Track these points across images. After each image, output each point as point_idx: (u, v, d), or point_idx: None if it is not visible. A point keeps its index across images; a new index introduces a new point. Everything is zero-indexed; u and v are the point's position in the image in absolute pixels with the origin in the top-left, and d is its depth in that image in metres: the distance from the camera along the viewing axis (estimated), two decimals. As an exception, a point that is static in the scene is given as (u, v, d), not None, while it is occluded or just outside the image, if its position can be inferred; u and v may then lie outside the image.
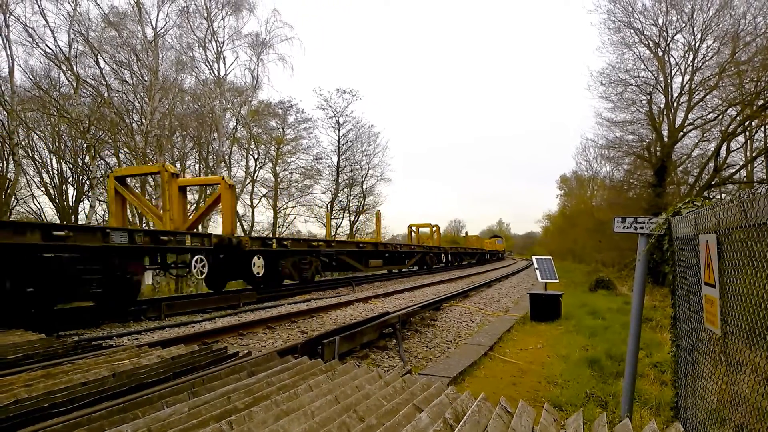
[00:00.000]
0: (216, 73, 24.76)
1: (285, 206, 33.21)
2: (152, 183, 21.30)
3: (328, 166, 36.92)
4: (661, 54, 20.21)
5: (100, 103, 20.57)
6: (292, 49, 79.25)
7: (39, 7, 18.54)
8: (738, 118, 17.93)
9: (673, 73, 20.37)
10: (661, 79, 20.49)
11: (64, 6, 19.05)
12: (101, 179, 22.83)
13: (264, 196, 31.86)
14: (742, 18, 17.69)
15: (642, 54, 20.83)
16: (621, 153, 23.99)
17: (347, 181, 37.68)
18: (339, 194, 36.66)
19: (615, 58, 21.73)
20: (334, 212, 36.12)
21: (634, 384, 3.32)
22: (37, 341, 4.38)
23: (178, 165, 26.37)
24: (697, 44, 19.33)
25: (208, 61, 24.63)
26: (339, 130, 37.13)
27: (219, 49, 24.60)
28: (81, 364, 3.25)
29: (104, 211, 24.25)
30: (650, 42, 20.33)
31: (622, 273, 19.97)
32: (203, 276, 9.85)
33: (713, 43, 18.82)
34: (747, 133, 19.85)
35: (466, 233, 53.82)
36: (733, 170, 19.93)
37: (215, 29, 24.23)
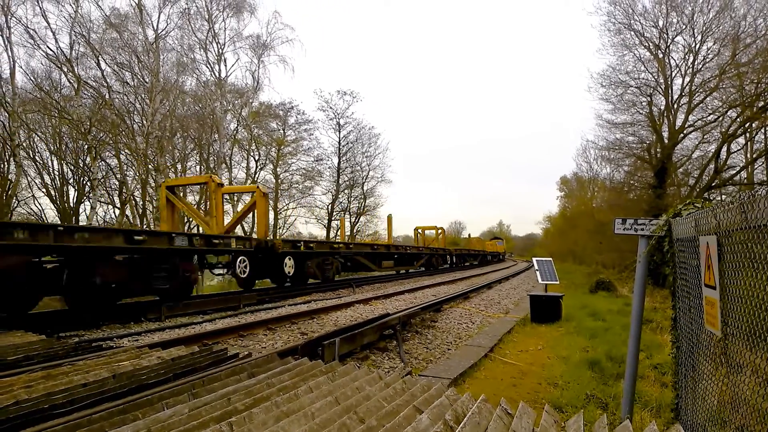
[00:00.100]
0: (217, 74, 24.83)
1: (286, 207, 33.20)
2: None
3: (329, 168, 36.94)
4: (661, 56, 20.23)
5: (101, 104, 20.59)
6: (293, 50, 79.18)
7: (40, 8, 18.60)
8: (738, 119, 17.93)
9: (673, 74, 20.39)
10: (662, 80, 20.50)
11: (66, 8, 19.11)
12: (102, 180, 22.88)
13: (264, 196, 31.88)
14: (743, 20, 17.71)
15: (642, 56, 20.87)
16: (621, 154, 24.00)
17: (348, 183, 37.69)
18: (339, 196, 36.66)
19: (615, 60, 21.78)
20: (334, 214, 36.13)
21: (635, 385, 3.31)
22: (38, 342, 4.39)
23: (179, 166, 26.41)
24: (698, 46, 19.36)
25: (209, 63, 24.69)
26: (339, 132, 37.15)
27: (220, 50, 24.66)
28: (81, 365, 3.25)
29: (105, 213, 24.35)
30: (650, 44, 20.36)
31: (622, 274, 19.96)
32: (245, 275, 11.05)
33: (713, 44, 18.84)
34: (747, 135, 19.84)
35: (469, 235, 54.53)
36: (734, 172, 19.92)
37: (216, 31, 24.29)
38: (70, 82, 20.20)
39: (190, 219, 22.28)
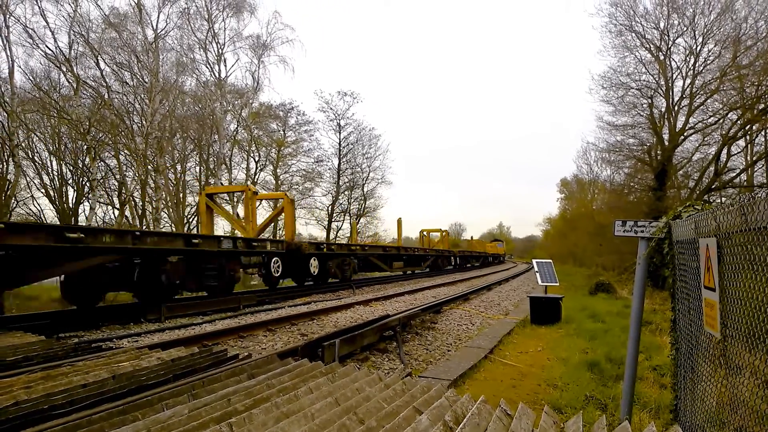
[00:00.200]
0: (217, 75, 24.78)
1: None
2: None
3: (329, 169, 36.88)
4: (662, 58, 20.25)
5: (100, 104, 20.56)
6: (293, 51, 79.22)
7: (39, 8, 18.52)
8: (739, 122, 17.95)
9: (674, 76, 20.42)
10: (662, 82, 20.53)
11: (65, 7, 19.05)
12: (101, 181, 22.86)
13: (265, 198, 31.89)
14: (744, 22, 17.74)
15: (643, 58, 20.90)
16: (622, 156, 24.02)
17: (348, 184, 37.63)
18: (340, 197, 36.64)
19: (616, 62, 21.80)
20: (334, 215, 36.13)
21: (634, 387, 3.31)
22: (37, 343, 4.39)
23: (178, 167, 26.41)
24: (699, 48, 19.39)
25: (209, 63, 24.64)
26: (340, 133, 37.10)
27: (220, 50, 24.61)
28: (81, 366, 3.25)
29: (104, 213, 24.35)
30: (651, 46, 20.38)
31: (622, 276, 19.97)
32: (278, 274, 12.32)
33: (714, 47, 18.87)
34: (747, 137, 19.87)
35: (471, 237, 55.67)
36: (734, 174, 19.97)
37: (216, 31, 24.24)
38: (69, 82, 20.17)
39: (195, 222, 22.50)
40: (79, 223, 22.34)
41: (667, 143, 20.28)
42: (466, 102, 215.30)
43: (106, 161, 23.45)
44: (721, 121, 18.85)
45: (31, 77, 20.53)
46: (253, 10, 24.83)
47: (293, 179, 33.40)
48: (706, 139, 20.25)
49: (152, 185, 21.80)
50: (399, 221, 30.03)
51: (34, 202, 24.10)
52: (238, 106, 27.27)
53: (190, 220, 27.20)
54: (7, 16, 17.63)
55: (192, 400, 2.34)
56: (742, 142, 20.13)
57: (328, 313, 9.10)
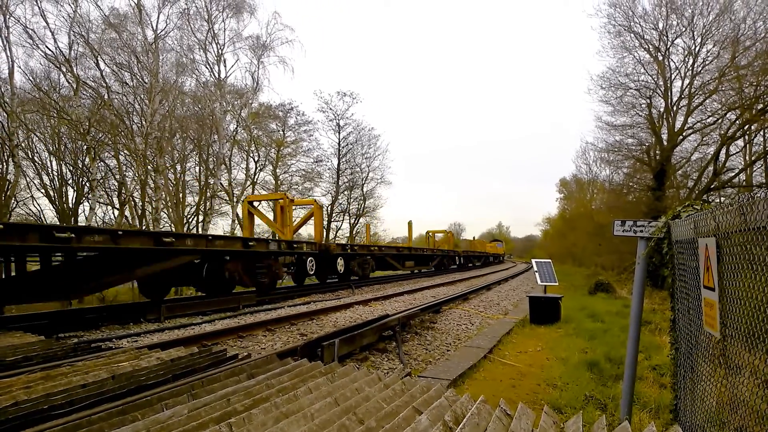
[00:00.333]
0: (216, 75, 24.74)
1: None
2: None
3: (329, 169, 36.92)
4: (661, 58, 20.26)
5: (100, 104, 20.55)
6: (292, 51, 79.14)
7: (39, 8, 18.50)
8: (737, 122, 17.96)
9: (672, 77, 20.43)
10: (661, 83, 20.54)
11: (65, 7, 19.01)
12: (101, 181, 22.84)
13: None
14: (742, 22, 17.74)
15: (642, 58, 20.90)
16: (621, 156, 24.03)
17: (347, 184, 37.66)
18: (339, 197, 36.64)
19: (615, 62, 21.83)
20: (334, 215, 36.12)
21: (634, 387, 3.31)
22: (36, 343, 4.38)
23: (178, 167, 26.39)
24: (697, 48, 19.39)
25: (209, 64, 24.59)
26: (339, 133, 37.12)
27: (219, 51, 24.56)
28: (80, 366, 3.25)
29: (104, 213, 24.34)
30: (650, 46, 20.39)
31: (621, 276, 19.96)
32: (312, 272, 14.04)
33: (713, 47, 18.88)
34: (746, 137, 19.89)
35: (474, 238, 56.50)
36: (733, 174, 19.96)
37: (216, 31, 24.20)
38: (69, 83, 20.14)
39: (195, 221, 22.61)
40: (79, 224, 22.36)
41: (665, 143, 20.29)
42: (466, 102, 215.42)
43: (106, 161, 23.46)
44: (719, 121, 18.86)
45: (31, 77, 20.54)
46: (253, 10, 24.82)
47: (293, 179, 33.45)
48: (704, 139, 20.28)
49: (152, 185, 21.78)
50: (410, 224, 31.37)
51: (34, 202, 24.13)
52: (237, 106, 27.25)
53: (190, 220, 27.20)
54: (7, 16, 17.61)
55: (191, 400, 2.34)
56: (740, 142, 20.19)
57: (327, 313, 9.10)
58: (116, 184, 24.25)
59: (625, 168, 25.10)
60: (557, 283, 9.71)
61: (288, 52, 59.19)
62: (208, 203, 25.59)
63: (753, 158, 20.68)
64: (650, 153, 21.46)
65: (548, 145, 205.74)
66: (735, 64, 17.25)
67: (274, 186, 31.53)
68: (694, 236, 2.28)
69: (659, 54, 20.25)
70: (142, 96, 22.17)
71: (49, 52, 19.22)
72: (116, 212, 24.39)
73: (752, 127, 18.36)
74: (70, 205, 24.24)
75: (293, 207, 25.33)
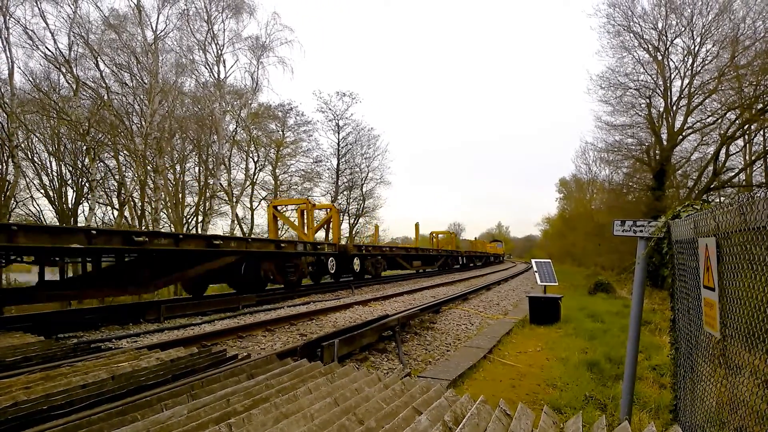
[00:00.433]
0: (216, 75, 24.74)
1: (285, 209, 33.18)
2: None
3: (328, 169, 36.91)
4: (660, 58, 20.26)
5: (99, 105, 20.56)
6: (292, 51, 79.25)
7: (39, 9, 18.53)
8: (737, 121, 17.96)
9: (672, 76, 20.42)
10: (661, 82, 20.54)
11: (64, 8, 19.05)
12: (100, 181, 22.84)
13: (264, 198, 31.85)
14: (742, 22, 17.74)
15: (641, 58, 20.90)
16: (620, 156, 24.03)
17: (347, 184, 37.65)
18: (339, 197, 36.62)
19: (614, 62, 21.79)
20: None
21: (633, 387, 3.31)
22: (36, 343, 4.38)
23: (177, 167, 26.41)
24: (697, 48, 19.39)
25: (208, 64, 24.60)
26: (339, 133, 37.11)
27: (219, 51, 24.57)
28: (80, 366, 3.25)
29: (103, 214, 24.34)
30: (650, 46, 20.40)
31: (621, 276, 19.95)
32: (333, 271, 15.16)
33: (712, 47, 18.87)
34: (746, 137, 19.89)
35: (475, 238, 57.79)
36: (732, 174, 19.95)
37: (215, 32, 24.21)
38: (68, 83, 20.16)
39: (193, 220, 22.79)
40: (79, 224, 22.36)
41: (665, 143, 20.29)
42: (466, 102, 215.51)
43: (106, 162, 23.48)
44: (719, 120, 18.86)
45: (30, 78, 20.56)
46: (252, 11, 24.86)
47: (292, 179, 33.46)
48: (704, 138, 20.28)
49: (151, 186, 21.78)
50: (417, 225, 32.26)
51: (34, 202, 24.14)
52: (237, 106, 27.25)
53: (189, 220, 27.21)
54: (7, 17, 17.64)
55: (191, 400, 2.34)
56: (740, 142, 20.18)
57: (327, 313, 9.09)
58: (116, 184, 24.28)
59: (624, 168, 25.12)
60: (557, 283, 9.71)
61: (287, 53, 59.33)
62: (207, 203, 25.61)
63: (753, 158, 20.69)
64: (650, 153, 21.46)
65: (548, 144, 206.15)
66: (734, 63, 17.24)
67: (273, 186, 31.55)
68: (694, 236, 2.28)
69: (658, 54, 20.26)
70: (141, 96, 22.20)
71: (49, 53, 19.26)
72: (116, 212, 24.40)
73: (752, 127, 18.37)
74: (70, 206, 24.27)
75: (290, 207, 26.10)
